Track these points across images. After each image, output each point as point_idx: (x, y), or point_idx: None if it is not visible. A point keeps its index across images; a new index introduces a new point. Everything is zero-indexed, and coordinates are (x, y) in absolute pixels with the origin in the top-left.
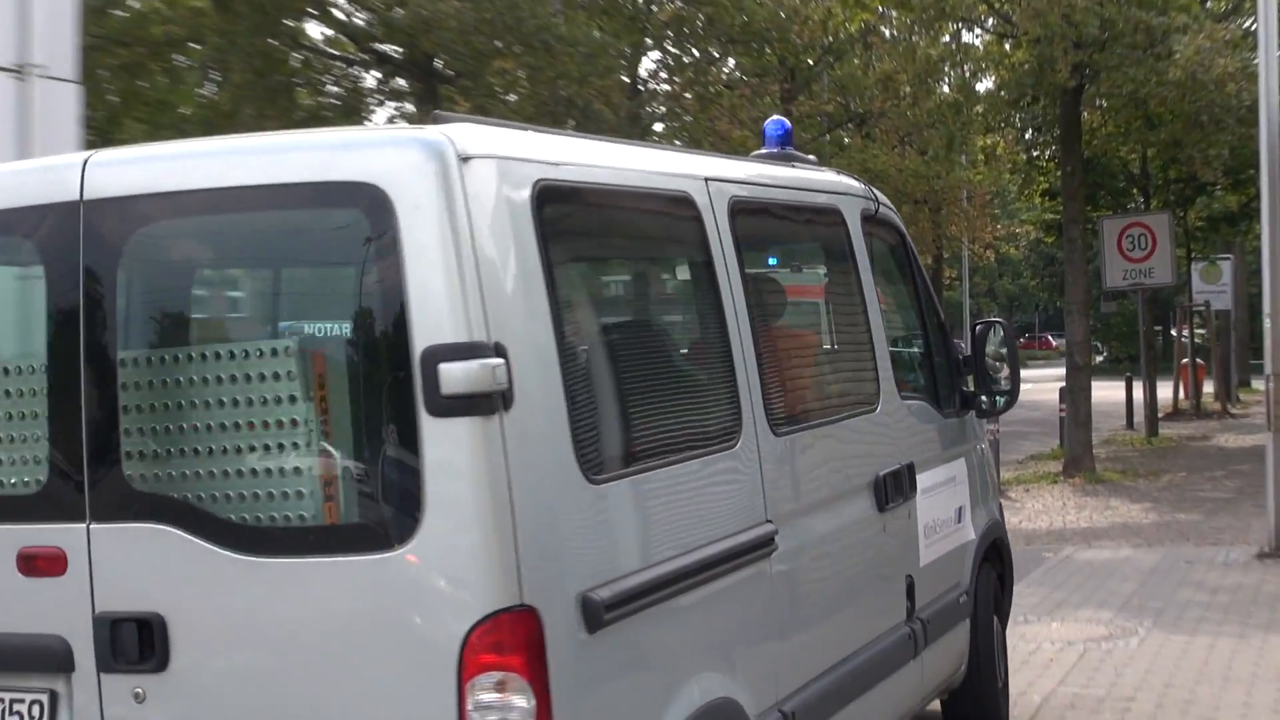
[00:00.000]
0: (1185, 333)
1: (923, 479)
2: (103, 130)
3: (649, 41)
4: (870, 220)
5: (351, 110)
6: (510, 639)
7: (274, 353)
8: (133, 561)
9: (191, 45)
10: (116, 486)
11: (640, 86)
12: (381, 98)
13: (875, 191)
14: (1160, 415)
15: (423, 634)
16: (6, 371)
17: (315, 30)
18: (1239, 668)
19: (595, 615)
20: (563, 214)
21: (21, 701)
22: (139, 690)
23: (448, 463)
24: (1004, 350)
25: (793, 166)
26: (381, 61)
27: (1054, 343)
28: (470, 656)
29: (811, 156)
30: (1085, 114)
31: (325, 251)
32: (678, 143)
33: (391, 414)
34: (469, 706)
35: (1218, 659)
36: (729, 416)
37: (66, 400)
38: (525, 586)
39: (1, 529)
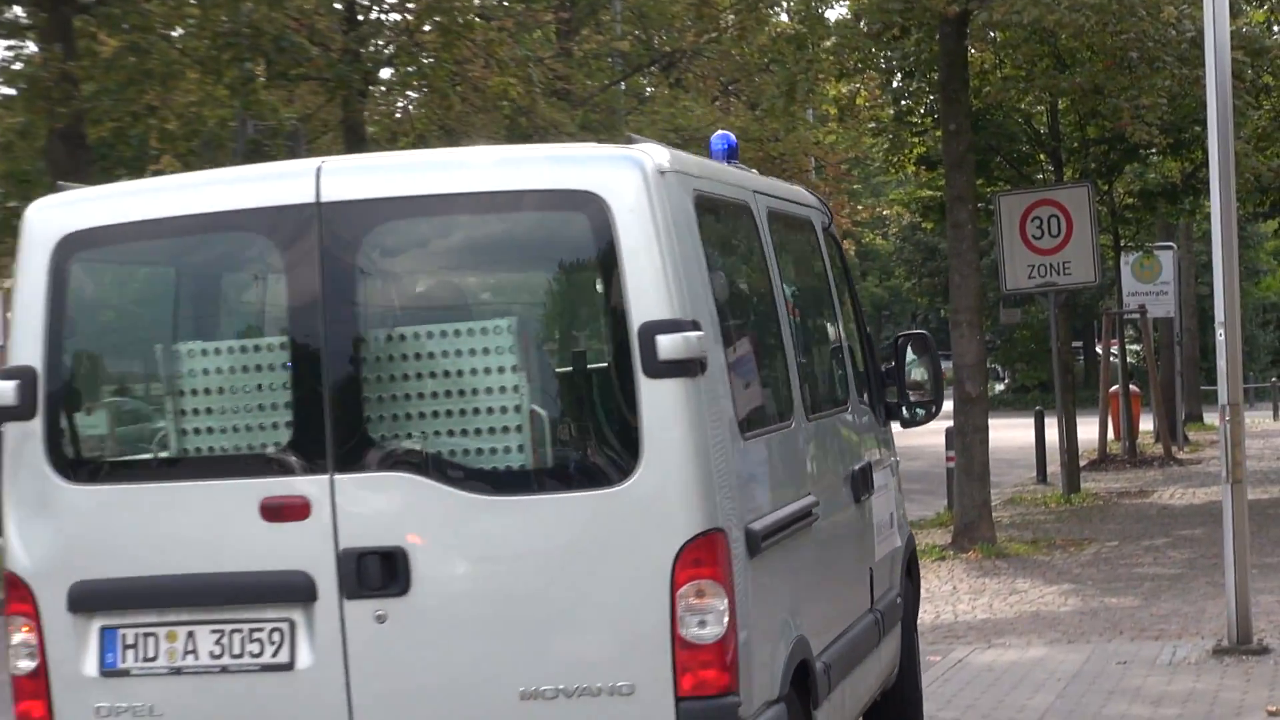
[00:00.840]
0: (1114, 350)
1: (874, 479)
2: None
3: None
4: (825, 231)
5: None
6: (708, 555)
7: (499, 330)
8: (375, 504)
9: None
10: (360, 442)
11: (360, 15)
12: None
13: (826, 204)
14: (1083, 464)
15: (640, 553)
16: (244, 349)
17: None
18: None
19: (754, 543)
20: (709, 218)
21: (261, 630)
22: (381, 613)
23: (661, 415)
24: (925, 363)
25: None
26: None
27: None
28: (680, 569)
29: (754, 170)
30: (973, 50)
31: (550, 245)
32: (412, 94)
33: (613, 376)
34: (680, 609)
35: None
36: (790, 398)
37: (309, 371)
38: (719, 515)
39: (245, 482)
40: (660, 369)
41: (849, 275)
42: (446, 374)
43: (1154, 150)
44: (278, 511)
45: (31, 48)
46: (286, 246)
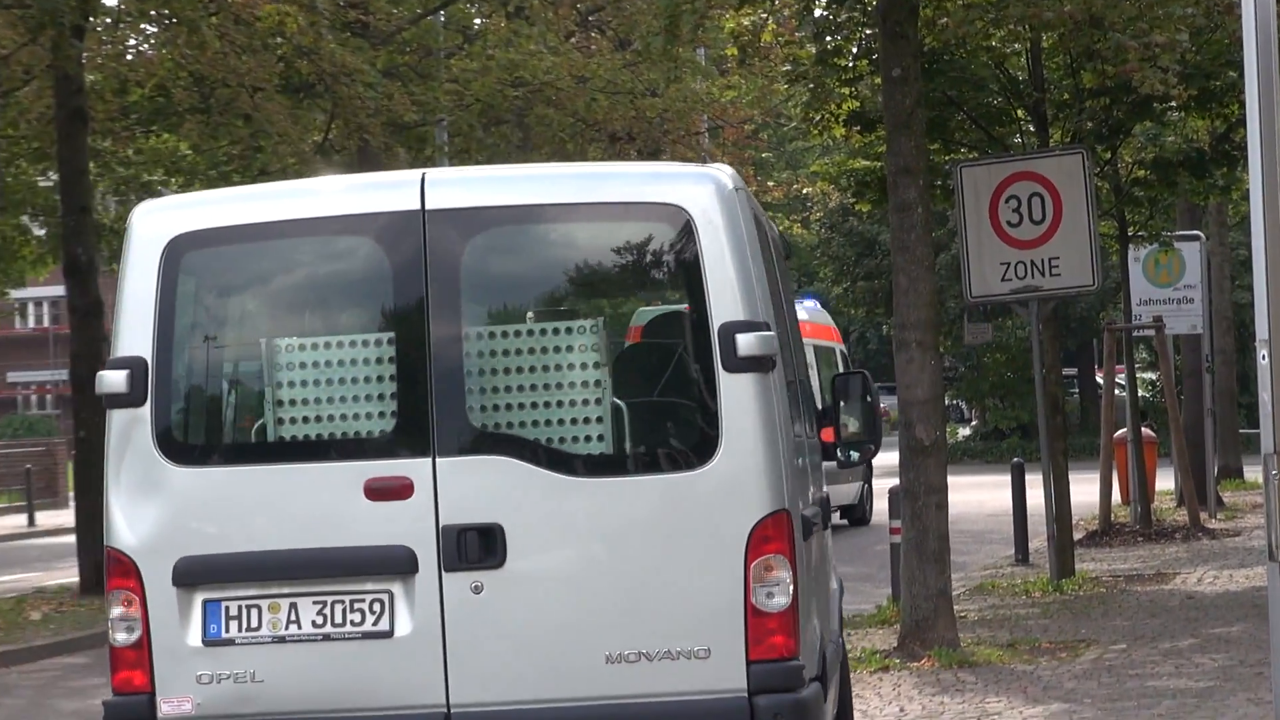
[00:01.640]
0: (1121, 380)
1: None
2: None
3: None
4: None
5: None
6: (776, 532)
7: (583, 330)
8: (475, 485)
9: None
10: (461, 428)
11: None
12: None
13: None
14: (1078, 536)
15: (718, 529)
16: (353, 343)
17: None
18: None
19: (808, 527)
20: (759, 230)
21: (362, 600)
22: (478, 584)
23: (738, 406)
24: (864, 400)
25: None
26: None
27: (882, 406)
28: (754, 545)
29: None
30: None
31: (638, 253)
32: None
33: (696, 370)
34: (753, 580)
35: None
36: (809, 401)
37: (414, 364)
38: (785, 497)
39: (352, 464)
40: (739, 364)
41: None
42: (536, 369)
43: (1172, 105)
44: (381, 491)
45: None
46: (394, 250)
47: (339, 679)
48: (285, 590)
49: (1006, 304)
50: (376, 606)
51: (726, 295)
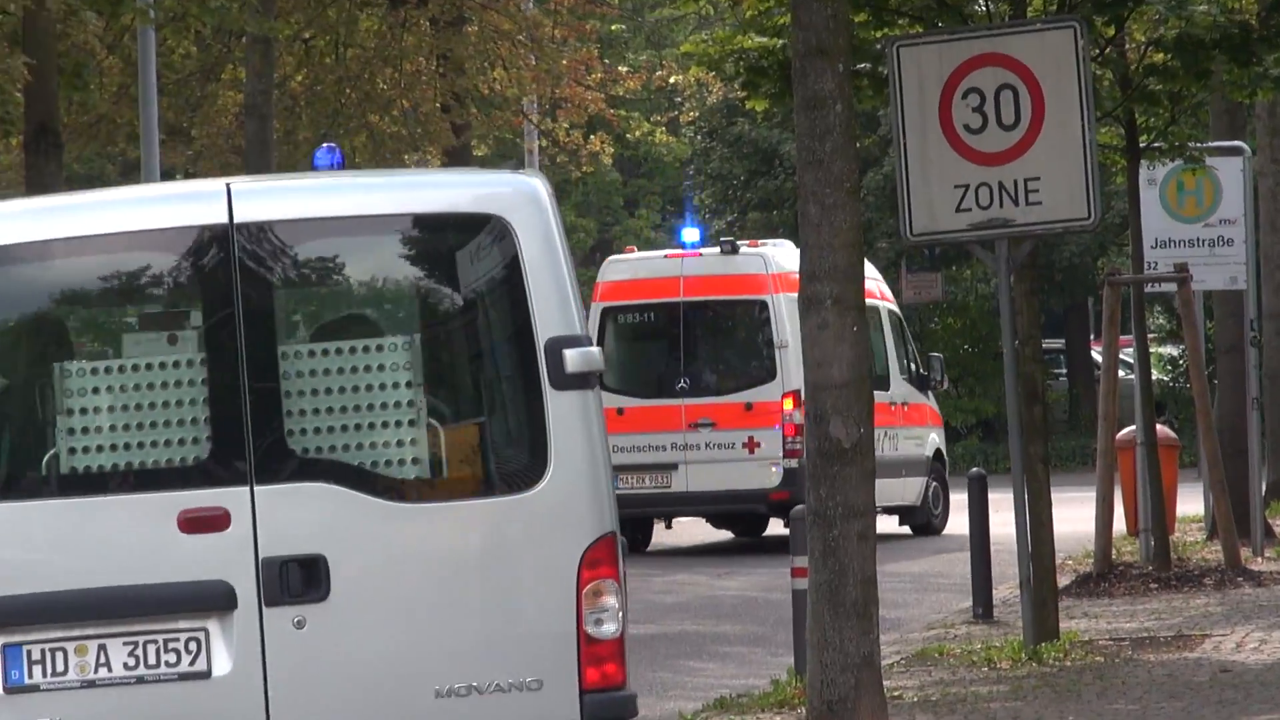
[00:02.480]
0: (1127, 356)
1: None
2: None
3: None
4: None
5: None
6: (605, 556)
7: (394, 347)
8: (296, 514)
9: None
10: (280, 453)
11: None
12: None
13: None
14: (1064, 582)
15: (549, 554)
16: (149, 366)
17: None
18: None
19: (623, 549)
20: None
21: (176, 640)
22: (300, 618)
23: (567, 425)
24: None
25: None
26: None
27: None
28: (584, 570)
29: None
30: None
31: (455, 265)
32: None
33: (520, 387)
34: (584, 607)
35: None
36: None
37: (227, 386)
38: (610, 519)
39: (163, 495)
40: (566, 381)
41: None
42: (359, 389)
43: None
44: (197, 523)
45: None
46: (202, 268)
47: None
48: (93, 631)
49: (963, 246)
50: (193, 645)
51: (551, 309)
